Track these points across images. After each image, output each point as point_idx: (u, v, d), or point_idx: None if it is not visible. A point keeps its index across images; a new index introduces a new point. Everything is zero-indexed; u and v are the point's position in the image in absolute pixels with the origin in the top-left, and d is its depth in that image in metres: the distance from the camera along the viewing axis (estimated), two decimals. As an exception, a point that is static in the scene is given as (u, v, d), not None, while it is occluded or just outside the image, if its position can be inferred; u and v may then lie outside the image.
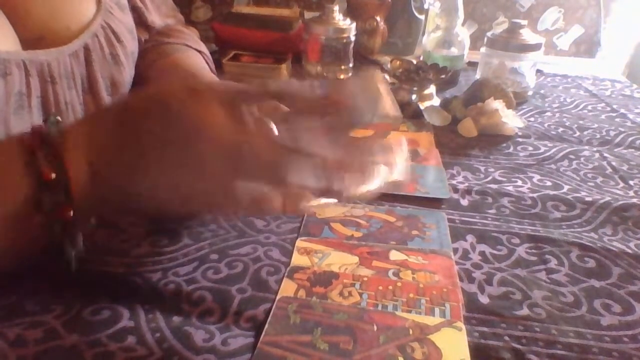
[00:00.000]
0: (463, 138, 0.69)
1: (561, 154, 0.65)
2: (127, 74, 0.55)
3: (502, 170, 0.60)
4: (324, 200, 0.34)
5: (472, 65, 0.98)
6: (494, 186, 0.56)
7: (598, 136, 0.71)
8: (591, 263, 0.43)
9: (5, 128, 0.41)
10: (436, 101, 0.78)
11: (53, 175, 0.30)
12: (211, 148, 0.31)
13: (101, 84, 0.51)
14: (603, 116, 0.80)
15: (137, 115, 0.32)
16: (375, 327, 0.35)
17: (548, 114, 0.80)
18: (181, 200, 0.32)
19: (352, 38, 0.91)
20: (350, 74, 0.94)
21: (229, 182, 0.31)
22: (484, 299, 0.38)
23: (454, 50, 0.91)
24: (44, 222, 0.30)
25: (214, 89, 0.33)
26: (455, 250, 0.44)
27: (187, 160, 0.31)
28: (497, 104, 0.70)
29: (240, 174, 0.31)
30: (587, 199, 0.53)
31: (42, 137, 0.31)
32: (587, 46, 1.75)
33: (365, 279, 0.40)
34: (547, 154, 0.65)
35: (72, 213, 0.31)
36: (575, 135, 0.72)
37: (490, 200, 0.53)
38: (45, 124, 0.32)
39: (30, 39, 0.44)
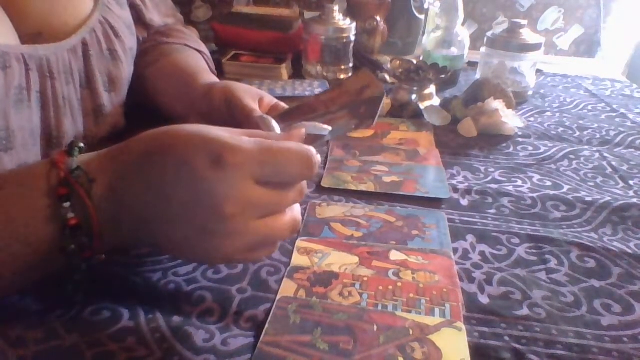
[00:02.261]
0: (463, 138, 0.69)
1: (561, 154, 0.65)
2: (125, 69, 0.55)
3: (502, 170, 0.60)
4: None
5: (472, 65, 0.98)
6: (494, 186, 0.56)
7: (598, 136, 0.71)
8: (591, 263, 0.43)
9: (5, 121, 0.41)
10: (436, 101, 0.78)
11: (77, 223, 0.31)
12: (230, 241, 0.31)
13: (99, 79, 0.51)
14: (603, 116, 0.80)
15: (161, 172, 0.31)
16: (375, 327, 0.35)
17: (548, 114, 0.80)
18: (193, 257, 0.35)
19: (352, 38, 0.91)
20: (350, 74, 0.94)
21: (238, 259, 0.34)
22: (484, 299, 0.38)
23: (454, 50, 0.91)
24: (65, 262, 0.32)
25: (238, 163, 0.30)
26: (455, 250, 0.44)
27: (204, 235, 0.31)
28: (497, 104, 0.70)
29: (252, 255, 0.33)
30: (587, 199, 0.53)
31: (68, 178, 0.31)
32: (587, 46, 1.75)
33: (365, 279, 0.40)
34: (547, 154, 0.65)
35: (91, 254, 0.32)
36: (575, 135, 0.72)
37: (490, 200, 0.53)
38: (69, 153, 0.32)
39: (29, 35, 0.44)
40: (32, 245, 0.31)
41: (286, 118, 0.50)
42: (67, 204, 0.31)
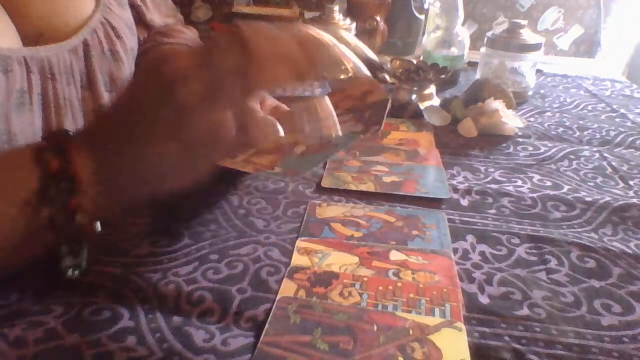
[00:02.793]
0: (463, 138, 0.69)
1: (561, 154, 0.65)
2: (126, 70, 0.55)
3: (502, 170, 0.60)
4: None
5: (472, 65, 0.98)
6: (494, 186, 0.56)
7: (598, 136, 0.71)
8: (591, 263, 0.43)
9: (6, 125, 0.41)
10: (436, 101, 0.78)
11: (58, 166, 0.31)
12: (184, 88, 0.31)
13: (100, 80, 0.51)
14: (603, 116, 0.80)
15: (131, 100, 0.33)
16: (375, 327, 0.35)
17: (548, 114, 0.80)
18: (175, 170, 0.34)
19: (352, 38, 0.91)
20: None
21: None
22: (484, 299, 0.38)
23: (454, 50, 0.91)
24: (51, 214, 0.31)
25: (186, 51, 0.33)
26: (455, 250, 0.44)
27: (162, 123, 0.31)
28: (497, 104, 0.70)
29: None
30: (587, 199, 0.53)
31: (48, 137, 0.32)
32: (587, 46, 1.75)
33: (365, 279, 0.40)
34: (547, 154, 0.65)
35: (78, 203, 0.31)
36: (575, 135, 0.72)
37: (490, 200, 0.53)
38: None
39: (30, 35, 0.45)
40: (16, 200, 0.30)
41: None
42: (46, 151, 0.31)
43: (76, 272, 0.34)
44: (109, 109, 0.35)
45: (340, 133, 0.42)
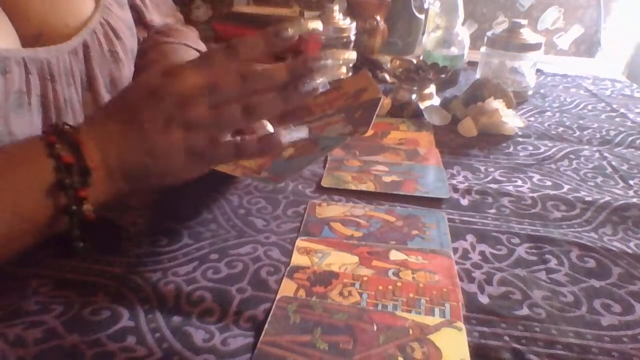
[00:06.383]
0: (463, 138, 0.69)
1: (561, 153, 0.65)
2: (126, 70, 0.55)
3: (502, 170, 0.60)
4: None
5: (472, 65, 0.98)
6: (494, 186, 0.56)
7: (598, 136, 0.71)
8: (591, 263, 0.43)
9: (5, 126, 0.41)
10: (436, 101, 0.78)
11: (72, 159, 0.33)
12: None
13: (100, 81, 0.51)
14: (603, 116, 0.80)
15: (132, 96, 0.36)
16: (375, 327, 0.35)
17: (548, 113, 0.80)
18: (165, 162, 0.36)
19: (352, 38, 0.91)
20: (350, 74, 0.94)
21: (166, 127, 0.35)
22: (483, 299, 0.38)
23: (454, 50, 0.91)
24: (68, 202, 0.34)
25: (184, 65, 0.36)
26: (455, 250, 0.44)
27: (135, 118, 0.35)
28: (497, 104, 0.70)
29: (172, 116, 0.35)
30: (587, 198, 0.53)
31: (57, 132, 0.35)
32: (587, 46, 1.75)
33: (365, 278, 0.40)
34: (547, 153, 0.65)
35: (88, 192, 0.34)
36: (575, 135, 0.72)
37: (490, 200, 0.53)
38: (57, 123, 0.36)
39: (29, 36, 0.44)
40: (32, 190, 0.33)
41: (283, 120, 0.50)
42: (58, 145, 0.34)
43: (81, 244, 0.37)
44: (110, 103, 0.38)
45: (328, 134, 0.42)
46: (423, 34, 1.09)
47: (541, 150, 0.66)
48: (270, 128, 0.43)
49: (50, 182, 0.33)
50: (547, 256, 0.44)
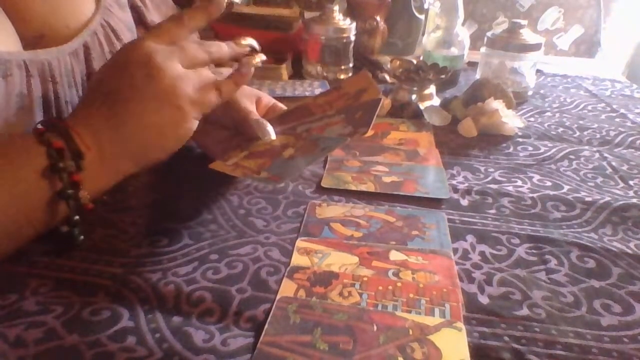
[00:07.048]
0: (463, 138, 0.69)
1: (561, 154, 0.65)
2: None
3: (502, 170, 0.60)
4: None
5: (472, 65, 0.98)
6: (494, 186, 0.56)
7: (598, 136, 0.71)
8: (591, 263, 0.43)
9: (7, 129, 0.41)
10: (436, 101, 0.78)
11: (62, 144, 0.35)
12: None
13: None
14: (603, 116, 0.80)
15: (105, 79, 0.39)
16: (375, 327, 0.35)
17: (548, 114, 0.80)
18: (158, 129, 0.38)
19: (352, 38, 0.91)
20: (350, 74, 0.94)
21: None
22: (483, 299, 0.38)
23: (454, 50, 0.91)
24: (63, 186, 0.35)
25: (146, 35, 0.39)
26: (455, 251, 0.44)
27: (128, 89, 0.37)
28: (497, 104, 0.70)
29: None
30: (587, 199, 0.53)
31: (46, 124, 0.37)
32: (587, 46, 1.75)
33: (365, 279, 0.40)
34: (547, 154, 0.65)
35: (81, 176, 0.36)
36: (575, 135, 0.72)
37: (490, 200, 0.53)
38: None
39: (30, 37, 0.45)
40: (28, 180, 0.35)
41: (283, 120, 0.50)
42: (48, 133, 0.36)
43: (82, 237, 0.40)
44: (87, 90, 0.40)
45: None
46: (423, 34, 1.09)
47: (541, 151, 0.66)
48: (272, 133, 0.47)
49: (44, 166, 0.35)
50: (547, 256, 0.44)
